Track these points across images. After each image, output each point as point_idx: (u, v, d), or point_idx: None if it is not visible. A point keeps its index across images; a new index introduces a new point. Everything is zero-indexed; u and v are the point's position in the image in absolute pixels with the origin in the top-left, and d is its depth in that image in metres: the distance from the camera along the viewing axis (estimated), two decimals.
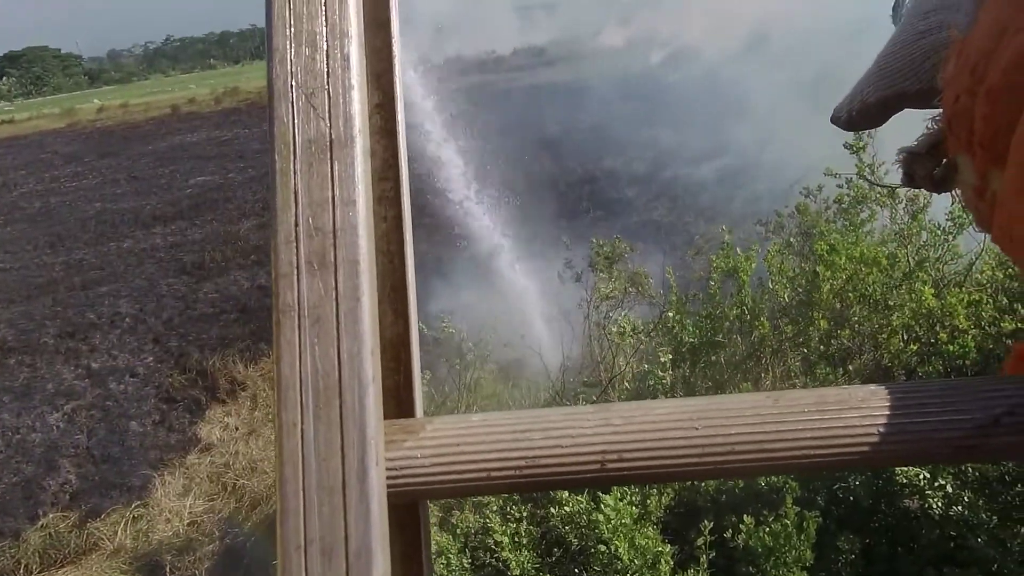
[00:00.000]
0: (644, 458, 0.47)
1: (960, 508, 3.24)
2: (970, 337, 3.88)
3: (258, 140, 26.00)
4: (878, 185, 4.82)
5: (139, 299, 11.96)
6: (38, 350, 10.36)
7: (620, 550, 3.05)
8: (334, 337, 0.48)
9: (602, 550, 3.15)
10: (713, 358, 4.39)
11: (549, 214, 12.13)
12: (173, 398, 8.76)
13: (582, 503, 3.43)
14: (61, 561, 6.19)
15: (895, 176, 0.72)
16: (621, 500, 3.25)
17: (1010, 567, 3.08)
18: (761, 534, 3.16)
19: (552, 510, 3.53)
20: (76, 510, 6.86)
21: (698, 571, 3.17)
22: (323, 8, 0.52)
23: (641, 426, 0.48)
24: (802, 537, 3.11)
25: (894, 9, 0.68)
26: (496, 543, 3.38)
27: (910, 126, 0.67)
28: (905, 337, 4.27)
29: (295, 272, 0.49)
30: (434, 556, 3.40)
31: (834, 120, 0.68)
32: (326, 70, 0.51)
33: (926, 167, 0.63)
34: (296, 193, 0.50)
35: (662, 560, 3.09)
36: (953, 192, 0.63)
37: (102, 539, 6.36)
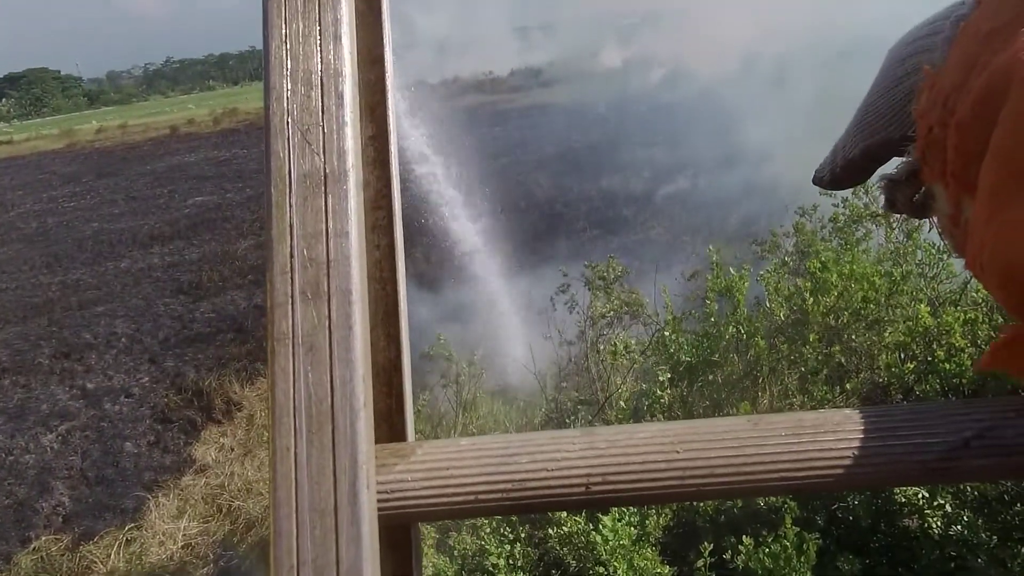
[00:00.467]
0: (628, 481, 0.49)
1: (960, 528, 3.23)
2: (966, 355, 3.89)
3: (256, 161, 26.14)
4: (875, 215, 4.87)
5: (135, 319, 11.93)
6: (33, 370, 10.31)
7: (619, 572, 3.04)
8: (327, 364, 0.49)
9: (600, 572, 3.13)
10: (710, 377, 4.39)
11: (545, 233, 12.19)
12: (168, 418, 8.71)
13: (580, 523, 3.42)
14: None
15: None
16: (619, 521, 3.23)
17: None
18: (761, 555, 3.14)
19: (550, 531, 3.51)
20: (69, 533, 6.79)
21: None
22: (318, 48, 0.54)
23: (625, 450, 0.49)
24: (802, 559, 3.09)
25: (815, 179, 0.71)
26: (493, 565, 3.35)
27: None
28: (902, 355, 4.28)
29: (290, 301, 0.51)
30: None
31: (816, 181, 0.70)
32: (321, 107, 0.53)
33: (906, 194, 0.65)
34: (291, 225, 0.52)
35: None
36: (931, 219, 0.65)
37: (95, 562, 6.29)
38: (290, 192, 0.52)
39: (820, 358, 4.35)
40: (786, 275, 4.97)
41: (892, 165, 0.67)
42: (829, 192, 5.12)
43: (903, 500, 3.37)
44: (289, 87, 0.54)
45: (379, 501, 0.49)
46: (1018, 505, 3.30)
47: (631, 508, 3.35)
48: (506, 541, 3.44)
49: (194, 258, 14.97)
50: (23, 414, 9.11)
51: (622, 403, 4.75)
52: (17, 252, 17.40)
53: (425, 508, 0.50)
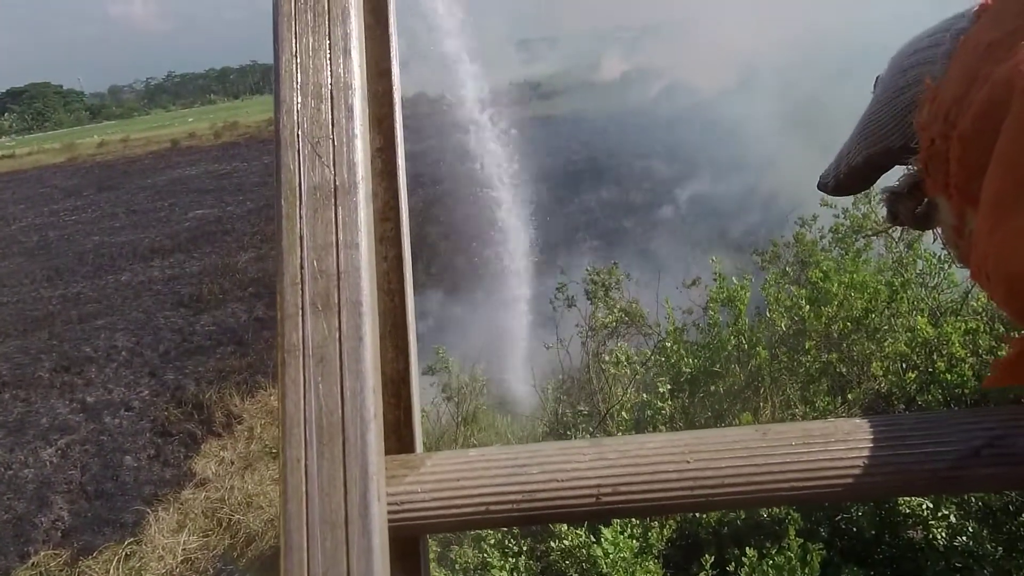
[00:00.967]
0: (638, 491, 0.49)
1: (965, 539, 3.21)
2: (967, 366, 3.89)
3: (257, 174, 26.24)
4: (877, 231, 4.88)
5: (136, 332, 11.92)
6: (33, 384, 10.29)
7: None
8: (337, 376, 0.49)
9: None
10: (712, 388, 4.38)
11: (545, 244, 12.21)
12: (168, 432, 8.68)
13: (581, 536, 3.39)
14: None
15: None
16: (621, 533, 3.21)
17: None
18: (764, 567, 3.12)
19: (552, 544, 3.49)
20: (68, 548, 6.75)
21: None
22: (328, 62, 0.55)
23: (635, 460, 0.49)
24: (806, 570, 3.07)
25: (876, 84, 0.70)
26: None
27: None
28: (903, 365, 4.27)
29: (300, 313, 0.51)
30: None
31: (821, 187, 0.70)
32: (331, 120, 0.54)
33: (908, 206, 0.65)
34: (301, 237, 0.52)
35: None
36: (935, 230, 0.65)
37: None
38: (300, 204, 0.53)
39: (821, 368, 4.34)
40: (787, 285, 4.97)
41: (894, 177, 0.68)
42: (830, 202, 5.14)
43: (907, 511, 3.34)
44: (299, 100, 0.54)
45: (389, 513, 0.49)
46: (1023, 516, 3.28)
47: (633, 520, 3.33)
48: (510, 554, 3.42)
49: (194, 271, 14.98)
50: (23, 428, 9.08)
51: (624, 414, 4.74)
52: (18, 266, 17.42)
53: (435, 520, 0.50)
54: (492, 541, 3.55)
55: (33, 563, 6.54)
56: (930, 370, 4.09)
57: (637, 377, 4.95)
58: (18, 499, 7.62)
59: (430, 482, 0.51)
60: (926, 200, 0.63)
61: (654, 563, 3.25)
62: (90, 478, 7.92)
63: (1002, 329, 4.17)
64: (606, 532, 3.19)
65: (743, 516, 3.57)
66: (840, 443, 0.49)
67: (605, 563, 3.09)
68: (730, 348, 4.31)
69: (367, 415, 0.49)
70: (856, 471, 0.48)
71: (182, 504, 7.12)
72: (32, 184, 31.28)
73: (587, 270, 5.84)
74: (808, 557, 3.08)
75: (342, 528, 0.46)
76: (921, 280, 4.66)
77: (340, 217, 0.52)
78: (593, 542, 3.31)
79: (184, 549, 6.42)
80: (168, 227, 19.32)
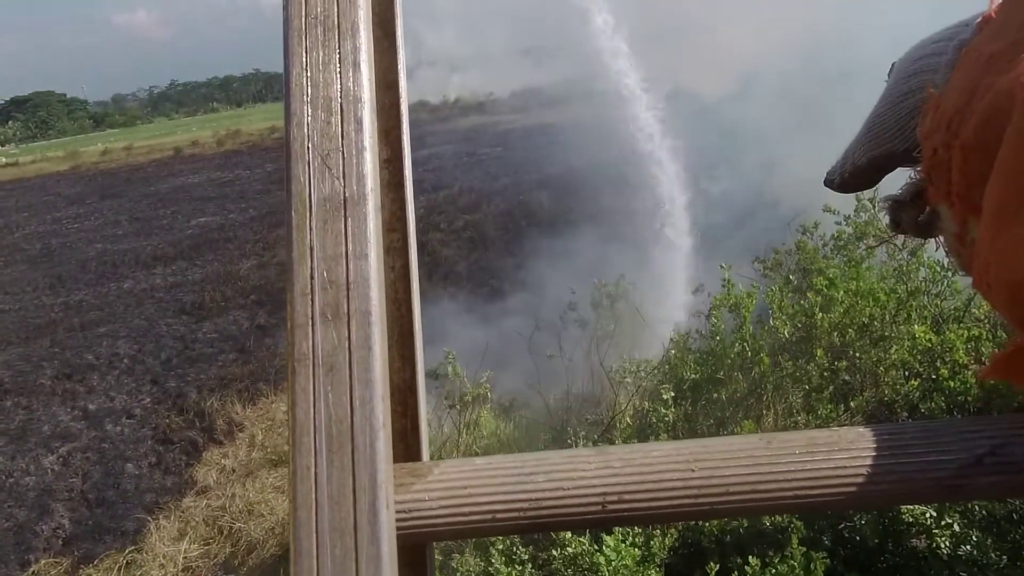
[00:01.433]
0: (644, 499, 0.49)
1: (969, 547, 3.20)
2: (970, 372, 3.88)
3: (259, 181, 26.32)
4: (882, 239, 4.88)
5: (138, 340, 11.93)
6: (35, 392, 10.30)
7: None
8: (347, 384, 0.50)
9: None
10: (715, 395, 4.38)
11: (548, 251, 12.22)
12: (170, 439, 8.67)
13: (584, 544, 3.39)
14: None
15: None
16: (623, 542, 3.20)
17: None
18: (767, 575, 3.11)
19: (554, 552, 3.48)
20: (69, 556, 6.73)
21: None
22: (338, 76, 0.56)
23: (640, 468, 0.50)
24: None
25: (889, 74, 0.71)
26: None
27: (895, 173, 0.71)
28: (906, 373, 4.27)
29: (310, 323, 0.51)
30: None
31: (827, 183, 0.71)
32: (340, 133, 0.55)
33: (910, 214, 0.66)
34: (311, 248, 0.53)
35: None
36: (937, 239, 0.66)
37: None
38: (310, 215, 0.53)
39: (825, 375, 4.34)
40: (790, 293, 4.97)
41: (898, 178, 0.69)
42: (832, 208, 5.14)
43: (911, 519, 3.33)
44: (309, 113, 0.55)
45: (397, 521, 0.50)
46: None
47: (635, 528, 3.32)
48: (517, 562, 3.41)
49: (197, 278, 15.01)
50: (24, 435, 9.08)
51: (628, 420, 4.74)
52: (21, 273, 17.46)
53: (442, 527, 0.51)
54: (500, 547, 3.54)
55: (34, 571, 6.52)
56: (933, 377, 4.09)
57: (642, 384, 4.95)
58: (19, 507, 7.61)
59: (437, 490, 0.51)
60: (928, 208, 0.64)
61: (656, 571, 3.24)
62: (91, 486, 7.91)
63: (1004, 336, 4.16)
64: (608, 540, 3.19)
65: (746, 524, 3.56)
66: (844, 452, 0.49)
67: (607, 571, 3.09)
68: (733, 355, 4.31)
69: (376, 423, 0.49)
70: (860, 480, 0.48)
71: (183, 512, 7.10)
72: (35, 192, 31.40)
73: (594, 282, 5.85)
74: (811, 566, 3.08)
75: (351, 536, 0.47)
76: (925, 288, 4.66)
77: (349, 228, 0.53)
78: (596, 550, 3.30)
79: (185, 557, 6.40)
80: (170, 235, 19.37)
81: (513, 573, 3.36)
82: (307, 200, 0.54)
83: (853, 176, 0.68)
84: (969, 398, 3.85)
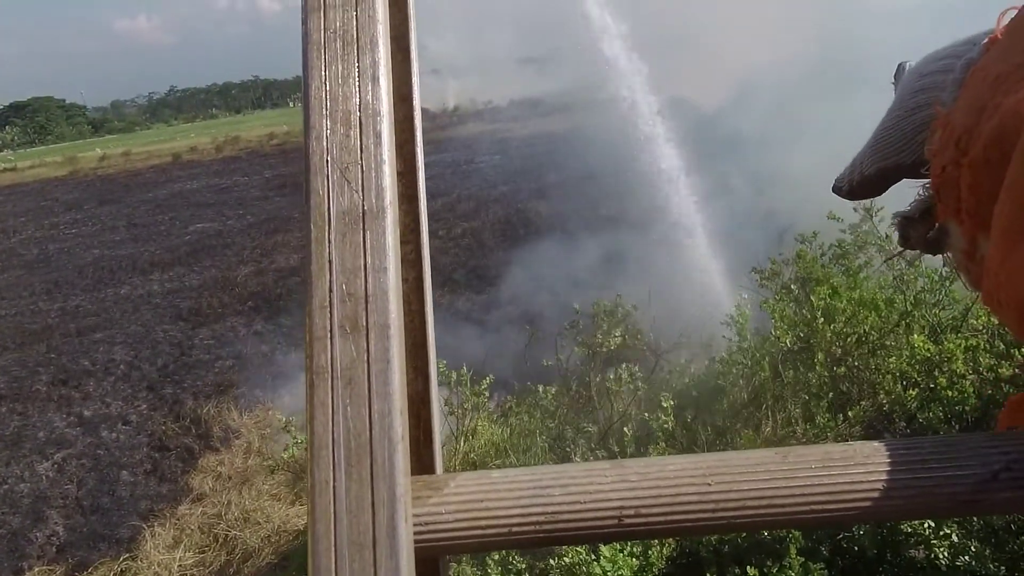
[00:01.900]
0: (660, 514, 0.49)
1: (967, 558, 3.20)
2: (968, 383, 3.89)
3: (257, 188, 26.34)
4: (890, 255, 4.90)
5: (134, 346, 11.90)
6: (30, 398, 10.25)
7: None
8: (365, 397, 0.50)
9: None
10: (715, 406, 4.38)
11: (544, 260, 12.24)
12: (166, 446, 8.64)
13: (581, 554, 3.37)
14: None
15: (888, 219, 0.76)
16: (621, 551, 3.19)
17: None
18: None
19: (551, 562, 3.47)
20: (63, 563, 6.69)
21: None
22: (357, 89, 0.56)
23: (656, 482, 0.50)
24: None
25: (896, 75, 0.72)
26: None
27: (903, 187, 0.72)
28: (904, 383, 4.27)
29: (329, 336, 0.52)
30: None
31: (836, 190, 0.73)
32: (360, 146, 0.55)
33: (919, 231, 0.67)
34: (330, 261, 0.53)
35: None
36: (945, 255, 0.67)
37: None
38: (329, 228, 0.54)
39: (824, 385, 4.34)
40: (790, 303, 4.98)
41: (902, 189, 0.70)
42: (836, 216, 5.17)
43: (909, 530, 3.33)
44: (328, 127, 0.55)
45: (414, 534, 0.50)
46: None
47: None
48: (513, 571, 3.40)
49: (194, 284, 14.98)
50: (19, 442, 9.03)
51: (625, 430, 4.73)
52: (17, 278, 17.42)
53: (459, 541, 0.51)
54: (496, 556, 3.53)
55: None
56: (931, 387, 4.09)
57: (639, 394, 4.95)
58: (13, 514, 7.56)
59: (454, 503, 0.51)
60: (937, 225, 0.65)
61: None
62: (86, 493, 7.86)
63: (1002, 347, 4.18)
64: (604, 550, 3.18)
65: (743, 535, 3.56)
66: (860, 466, 0.50)
67: None
68: (733, 366, 4.32)
69: (395, 436, 0.49)
70: (876, 494, 0.49)
71: (178, 520, 7.06)
72: (33, 197, 31.37)
73: (593, 305, 5.87)
74: None
75: (370, 549, 0.47)
76: (923, 297, 4.67)
77: (368, 241, 0.53)
78: (593, 559, 3.29)
79: (180, 565, 6.36)
80: (168, 240, 19.36)
81: None
82: (326, 213, 0.54)
83: (861, 185, 0.69)
84: (967, 408, 3.85)
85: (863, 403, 4.38)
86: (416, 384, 0.61)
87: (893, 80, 0.72)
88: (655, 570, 3.42)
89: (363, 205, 0.54)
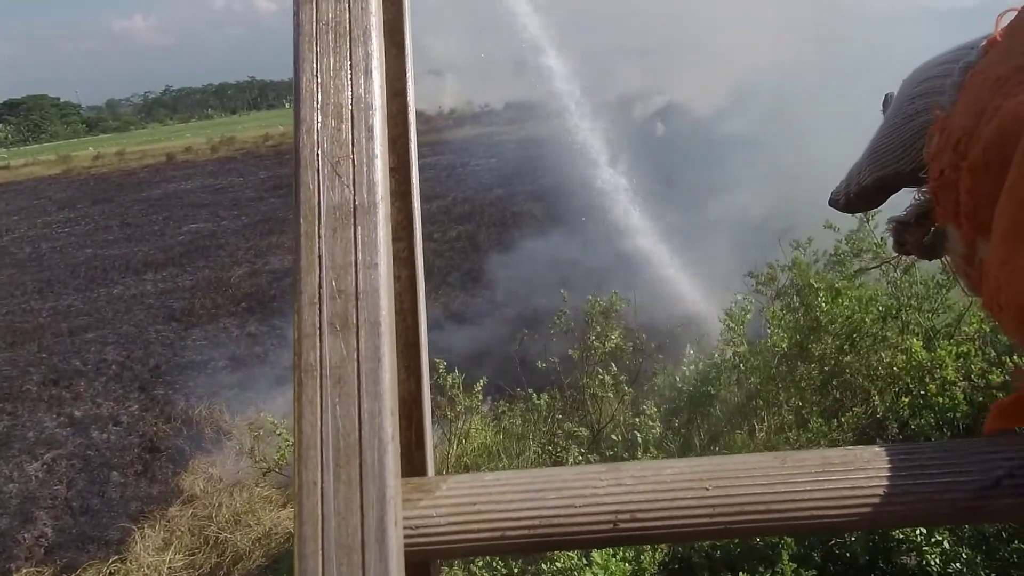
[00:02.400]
0: (657, 518, 0.48)
1: (958, 565, 3.20)
2: (959, 389, 3.90)
3: (252, 188, 26.26)
4: (884, 259, 4.92)
5: (126, 346, 11.83)
6: (20, 397, 10.17)
7: None
8: (355, 397, 0.49)
9: None
10: (709, 410, 4.38)
11: (539, 263, 12.24)
12: (157, 447, 8.58)
13: (573, 559, 3.36)
14: None
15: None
16: (613, 556, 3.18)
17: None
18: None
19: (543, 566, 3.45)
20: (51, 565, 6.62)
21: None
22: (349, 82, 0.55)
23: (653, 486, 0.49)
24: None
25: (884, 104, 0.72)
26: None
27: (898, 194, 0.71)
28: (896, 390, 4.28)
29: (318, 333, 0.50)
30: None
31: (832, 203, 0.71)
32: (351, 140, 0.54)
33: (915, 236, 0.66)
34: (320, 257, 0.52)
35: None
36: (943, 259, 0.66)
37: None
38: (319, 224, 0.52)
39: (817, 390, 4.35)
40: (786, 309, 4.99)
41: (900, 207, 0.69)
42: (833, 225, 5.18)
43: (901, 536, 3.33)
44: (320, 120, 0.54)
45: (404, 537, 0.49)
46: (1016, 542, 3.27)
47: None
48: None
49: (187, 285, 14.91)
50: (8, 441, 8.95)
51: (614, 437, 4.72)
52: (9, 277, 17.30)
53: (450, 545, 0.50)
54: (480, 563, 3.51)
55: None
56: (922, 393, 4.10)
57: (627, 398, 4.94)
58: (1, 514, 7.49)
59: (445, 506, 0.50)
60: (934, 229, 0.64)
61: None
62: (76, 494, 7.80)
63: (993, 353, 4.19)
64: (596, 556, 3.16)
65: (736, 540, 3.55)
66: (859, 471, 0.49)
67: None
68: (728, 370, 4.32)
69: (384, 437, 0.48)
70: (876, 500, 0.48)
71: (168, 521, 7.00)
72: (26, 196, 31.19)
73: (589, 299, 5.85)
74: None
75: (358, 553, 0.45)
76: (918, 304, 4.69)
77: (359, 237, 0.52)
78: (585, 564, 3.27)
79: (170, 567, 6.30)
80: (162, 241, 19.27)
81: None
82: (316, 208, 0.53)
83: (859, 196, 0.68)
84: (958, 415, 3.86)
85: (855, 409, 4.38)
86: (408, 384, 0.59)
87: (882, 108, 0.71)
88: (647, 575, 3.41)
89: (354, 200, 0.53)
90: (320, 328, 0.50)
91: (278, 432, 5.53)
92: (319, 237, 0.52)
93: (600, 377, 4.89)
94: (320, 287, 0.51)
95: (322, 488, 0.47)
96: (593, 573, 3.10)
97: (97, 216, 24.07)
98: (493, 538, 0.49)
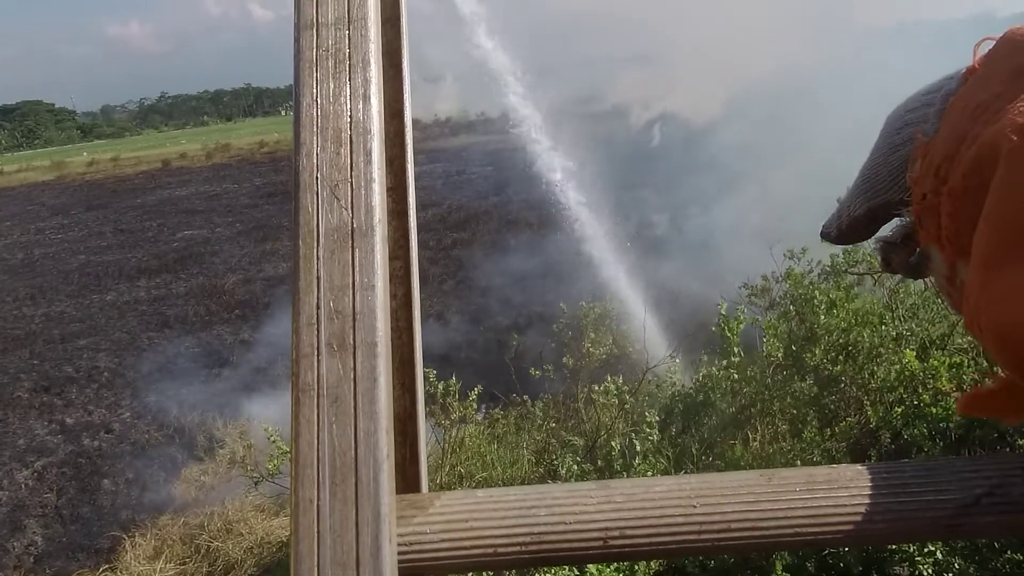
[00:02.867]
0: (645, 535, 0.49)
1: (951, 575, 3.21)
2: (952, 400, 3.92)
3: (247, 195, 26.23)
4: (872, 273, 4.95)
5: (119, 353, 11.77)
6: (11, 404, 10.10)
7: None
8: (351, 416, 0.50)
9: None
10: (705, 420, 4.39)
11: (533, 272, 12.26)
12: (148, 455, 8.53)
13: (566, 570, 3.35)
14: None
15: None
16: (607, 566, 3.18)
17: None
18: None
19: None
20: (40, 573, 6.57)
21: None
22: (348, 107, 0.56)
23: (642, 503, 0.50)
24: None
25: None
26: None
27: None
28: (890, 399, 4.30)
29: (315, 353, 0.51)
30: None
31: (824, 236, 0.73)
32: (350, 164, 0.55)
33: (902, 255, 0.67)
34: (318, 278, 0.53)
35: None
36: (927, 280, 0.67)
37: None
38: (318, 245, 0.53)
39: (811, 401, 4.36)
40: (782, 319, 5.01)
41: (889, 227, 0.70)
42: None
43: (894, 547, 3.34)
44: (319, 144, 0.55)
45: (398, 554, 0.49)
46: (1008, 552, 3.29)
47: None
48: None
49: (181, 292, 14.87)
50: None
51: (612, 444, 4.72)
52: (1, 283, 17.21)
53: (443, 561, 0.50)
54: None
55: None
56: (916, 403, 4.12)
57: (626, 407, 4.95)
58: None
59: (439, 523, 0.51)
60: (918, 250, 0.66)
61: None
62: (66, 502, 7.74)
63: (986, 364, 4.22)
64: (591, 567, 3.16)
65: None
66: (843, 489, 0.50)
67: None
68: (723, 380, 4.33)
69: (380, 456, 0.49)
70: (859, 518, 0.49)
71: (159, 530, 6.95)
72: (20, 201, 31.07)
73: (582, 305, 5.87)
74: None
75: (353, 570, 0.46)
76: (912, 314, 4.72)
77: (357, 259, 0.53)
78: (578, 575, 3.27)
79: None
80: (156, 247, 19.22)
81: None
82: (315, 230, 0.54)
83: (850, 228, 0.70)
84: (951, 424, 3.88)
85: (849, 419, 4.40)
86: (403, 401, 0.60)
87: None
88: None
89: (352, 223, 0.54)
90: (318, 348, 0.51)
91: (272, 440, 5.51)
92: (317, 259, 0.53)
93: (604, 384, 4.90)
94: (318, 308, 0.52)
95: (318, 506, 0.47)
96: None
97: (91, 222, 23.99)
98: (486, 554, 0.50)
